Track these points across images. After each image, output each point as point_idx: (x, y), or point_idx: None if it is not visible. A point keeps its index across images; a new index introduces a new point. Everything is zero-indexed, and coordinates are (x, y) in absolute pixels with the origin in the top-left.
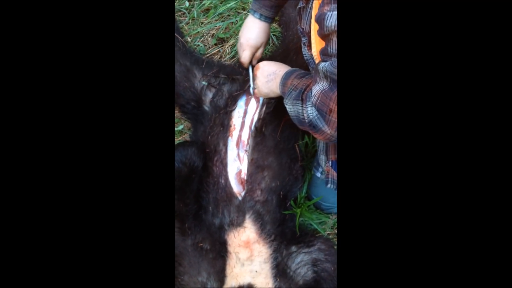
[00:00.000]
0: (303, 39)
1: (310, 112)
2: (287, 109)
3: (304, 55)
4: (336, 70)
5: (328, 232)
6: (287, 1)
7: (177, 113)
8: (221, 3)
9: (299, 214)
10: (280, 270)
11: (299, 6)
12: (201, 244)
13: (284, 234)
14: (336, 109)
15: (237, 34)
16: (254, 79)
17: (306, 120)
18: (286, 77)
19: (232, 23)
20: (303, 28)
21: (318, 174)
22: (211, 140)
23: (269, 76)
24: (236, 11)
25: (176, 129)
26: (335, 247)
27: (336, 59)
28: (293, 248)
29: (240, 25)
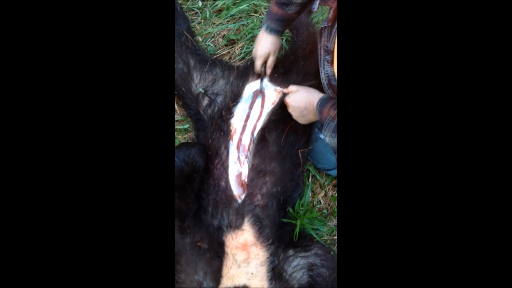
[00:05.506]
0: (327, 56)
1: None
2: (327, 141)
3: (326, 72)
4: None
5: (324, 238)
6: (295, 17)
7: (183, 112)
8: (233, 4)
9: (298, 226)
10: (276, 273)
11: (322, 26)
12: (199, 244)
13: (282, 238)
14: None
15: (248, 36)
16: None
17: None
18: (321, 105)
19: (243, 25)
20: (327, 46)
21: (322, 136)
22: (212, 144)
23: (302, 112)
24: (248, 13)
25: (181, 127)
26: (332, 252)
27: None
28: (290, 252)
29: (252, 28)
